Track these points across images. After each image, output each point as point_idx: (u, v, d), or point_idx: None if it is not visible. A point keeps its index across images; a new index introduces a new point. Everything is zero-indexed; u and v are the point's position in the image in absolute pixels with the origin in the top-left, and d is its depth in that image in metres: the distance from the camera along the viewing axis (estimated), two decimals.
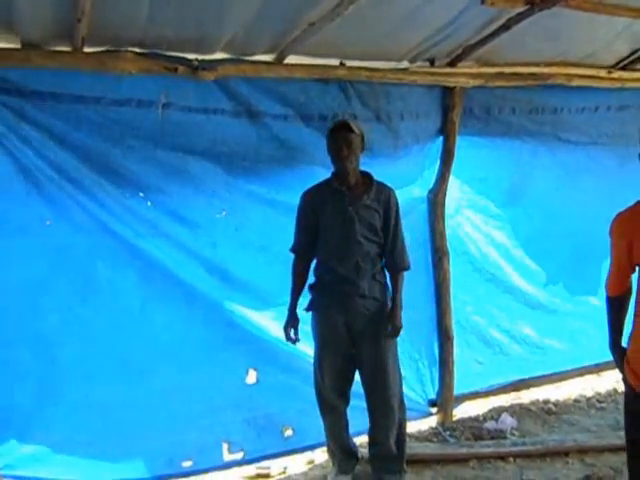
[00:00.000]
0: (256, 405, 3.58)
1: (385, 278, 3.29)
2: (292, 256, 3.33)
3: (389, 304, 3.27)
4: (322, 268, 3.26)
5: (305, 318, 3.33)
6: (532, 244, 4.45)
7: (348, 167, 3.13)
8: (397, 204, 3.27)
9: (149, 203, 3.29)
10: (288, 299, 3.33)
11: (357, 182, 3.20)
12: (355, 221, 3.14)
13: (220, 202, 3.45)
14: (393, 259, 3.28)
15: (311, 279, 3.33)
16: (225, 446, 3.51)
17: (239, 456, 3.56)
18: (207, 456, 3.47)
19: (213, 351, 3.46)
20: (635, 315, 2.41)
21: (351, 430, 3.44)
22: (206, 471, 3.48)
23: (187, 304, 3.39)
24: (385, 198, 3.21)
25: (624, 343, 2.50)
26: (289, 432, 3.68)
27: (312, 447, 3.73)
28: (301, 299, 3.34)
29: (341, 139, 3.08)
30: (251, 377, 3.57)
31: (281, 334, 3.37)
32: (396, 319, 3.23)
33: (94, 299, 3.19)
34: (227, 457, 3.53)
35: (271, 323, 3.57)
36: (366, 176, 3.25)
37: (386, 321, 3.23)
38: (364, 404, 3.32)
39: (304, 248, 3.30)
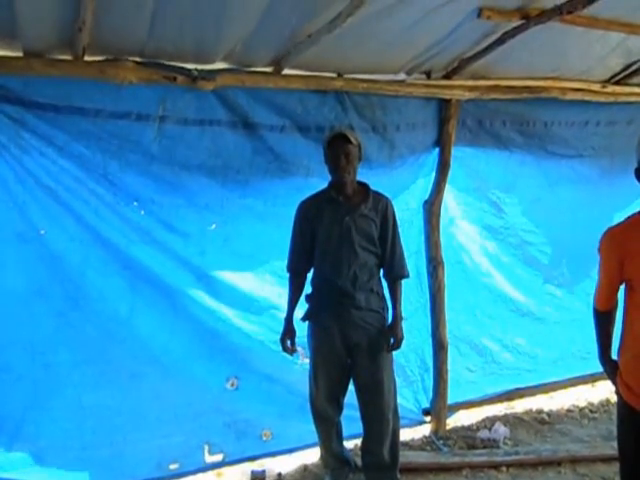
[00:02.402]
0: (236, 409, 3.61)
1: (382, 289, 3.30)
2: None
3: (386, 315, 3.28)
4: (319, 279, 3.27)
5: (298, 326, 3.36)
6: (521, 253, 4.49)
7: (346, 178, 3.14)
8: (394, 213, 3.29)
9: (142, 212, 3.31)
10: (285, 310, 3.36)
11: (354, 192, 3.22)
12: (352, 231, 3.15)
13: (212, 215, 3.47)
14: (392, 268, 3.29)
15: (308, 289, 3.34)
16: (206, 448, 3.55)
17: (219, 458, 3.59)
18: (190, 458, 3.51)
19: (198, 357, 3.50)
20: (624, 327, 2.44)
21: (344, 435, 3.46)
22: (193, 473, 3.52)
23: (175, 311, 3.42)
24: (382, 207, 3.23)
25: (613, 355, 2.54)
26: (268, 436, 3.71)
27: (290, 450, 3.78)
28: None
29: (339, 150, 3.10)
30: (232, 383, 3.60)
31: (265, 340, 3.43)
32: (398, 331, 3.25)
33: (86, 305, 3.21)
34: (208, 459, 3.57)
35: (257, 329, 3.61)
36: (363, 186, 3.27)
37: (387, 334, 3.24)
38: (357, 414, 3.33)
39: (299, 266, 3.31)
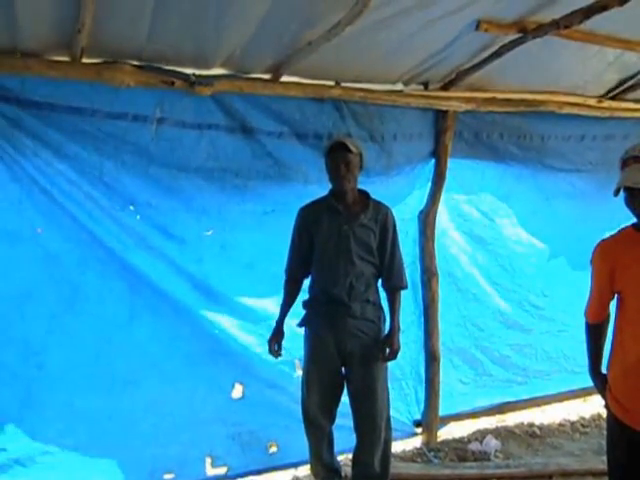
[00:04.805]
0: (241, 420, 3.57)
1: (379, 299, 3.27)
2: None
3: (382, 325, 3.25)
4: (316, 286, 3.24)
5: (296, 336, 3.33)
6: (509, 265, 4.49)
7: (346, 186, 3.12)
8: (395, 223, 3.26)
9: (138, 217, 3.30)
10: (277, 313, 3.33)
11: (354, 200, 3.20)
12: (350, 240, 3.12)
13: (209, 220, 3.46)
14: (390, 278, 3.27)
15: (305, 295, 3.31)
16: (208, 460, 3.50)
17: (222, 471, 3.54)
18: (189, 470, 3.45)
19: (198, 365, 3.46)
20: (613, 341, 2.44)
21: (335, 448, 3.42)
22: None
23: (173, 317, 3.39)
24: (382, 217, 3.20)
25: (603, 369, 2.54)
26: (273, 448, 3.66)
27: (296, 464, 3.70)
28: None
29: (339, 158, 3.08)
30: (237, 392, 3.56)
31: (262, 352, 3.38)
32: (394, 342, 3.20)
33: (81, 308, 3.19)
34: (210, 472, 3.51)
35: (255, 340, 3.57)
36: (363, 194, 3.25)
37: (383, 344, 3.20)
38: (350, 423, 3.30)
39: (295, 270, 3.29)
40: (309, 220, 3.21)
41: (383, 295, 3.32)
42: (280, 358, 3.32)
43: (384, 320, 3.28)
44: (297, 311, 3.32)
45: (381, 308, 3.27)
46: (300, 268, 3.28)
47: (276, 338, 3.27)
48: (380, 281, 3.29)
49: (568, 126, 4.42)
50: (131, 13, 2.58)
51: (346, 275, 3.13)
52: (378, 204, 3.24)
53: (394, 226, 3.26)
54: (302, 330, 3.32)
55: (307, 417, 3.30)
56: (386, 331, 3.26)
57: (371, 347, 3.19)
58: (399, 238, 3.31)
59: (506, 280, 4.49)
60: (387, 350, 3.21)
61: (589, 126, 4.50)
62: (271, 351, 3.27)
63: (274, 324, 3.31)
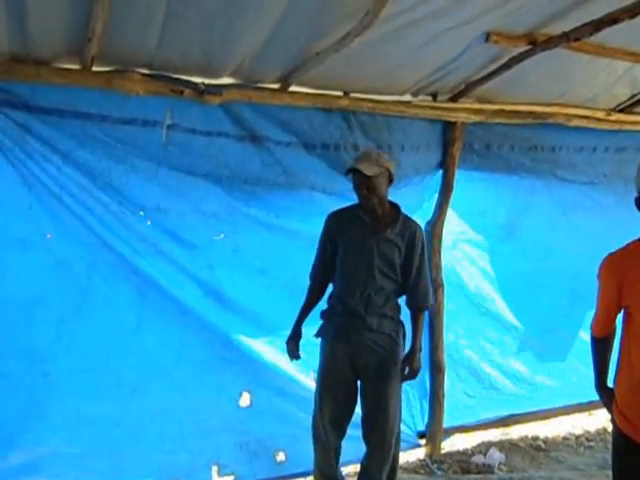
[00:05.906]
0: (249, 429, 3.55)
1: (399, 314, 3.18)
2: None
3: (399, 340, 3.17)
4: (334, 297, 3.19)
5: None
6: (526, 279, 4.46)
7: (369, 204, 3.02)
8: (423, 240, 3.16)
9: (149, 222, 3.29)
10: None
11: (383, 213, 3.10)
12: (374, 253, 3.04)
13: (219, 224, 3.45)
14: (415, 297, 3.18)
15: (324, 305, 3.28)
16: (215, 469, 3.48)
17: None
18: (196, 478, 3.44)
19: (207, 372, 3.45)
20: (620, 356, 2.42)
21: (343, 458, 3.37)
22: None
23: (183, 324, 3.38)
24: (410, 234, 3.10)
25: (610, 383, 2.52)
26: (281, 457, 3.64)
27: (304, 474, 3.66)
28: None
29: (360, 180, 2.97)
30: (245, 400, 3.54)
31: (276, 358, 3.36)
32: (414, 361, 3.12)
33: (89, 314, 3.18)
34: None
35: (266, 347, 3.56)
36: (394, 208, 3.16)
37: (403, 363, 3.14)
38: (358, 433, 3.24)
39: (318, 275, 3.25)
40: (334, 228, 3.16)
41: (405, 311, 3.25)
42: (297, 360, 3.27)
43: (404, 336, 3.20)
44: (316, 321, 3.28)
45: (400, 323, 3.19)
46: (323, 274, 3.23)
47: (293, 339, 3.22)
48: (405, 299, 3.21)
49: (579, 137, 4.39)
50: (141, 22, 2.60)
51: (365, 288, 3.06)
52: (408, 220, 3.14)
53: (422, 244, 3.14)
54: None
55: (317, 432, 3.23)
56: (407, 349, 3.19)
57: (387, 361, 3.11)
58: (427, 256, 3.20)
59: (522, 295, 4.44)
60: (407, 369, 3.14)
61: (600, 138, 4.47)
62: (289, 353, 3.23)
63: (293, 324, 3.26)
